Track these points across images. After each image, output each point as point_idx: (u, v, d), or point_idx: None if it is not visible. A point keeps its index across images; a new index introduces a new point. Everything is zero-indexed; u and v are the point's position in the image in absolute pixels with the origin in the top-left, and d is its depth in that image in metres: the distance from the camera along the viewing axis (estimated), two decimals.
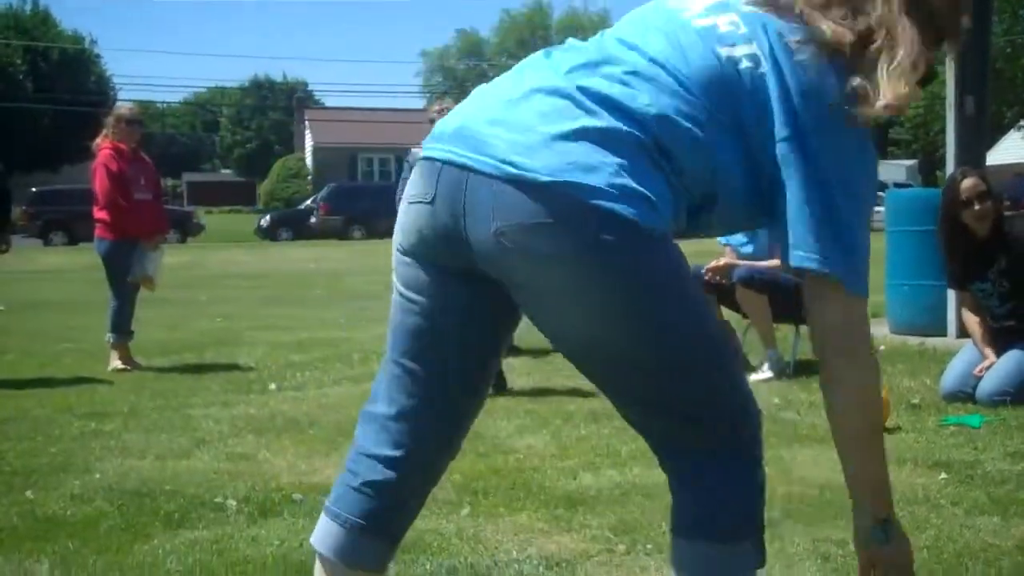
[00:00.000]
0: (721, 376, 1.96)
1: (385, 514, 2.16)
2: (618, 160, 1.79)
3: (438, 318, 2.07)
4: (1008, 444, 4.63)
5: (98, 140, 7.92)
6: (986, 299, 5.67)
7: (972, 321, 5.71)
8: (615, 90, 1.85)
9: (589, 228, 1.78)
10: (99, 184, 7.78)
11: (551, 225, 1.79)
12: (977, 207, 5.51)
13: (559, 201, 1.78)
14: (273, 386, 6.93)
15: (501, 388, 5.79)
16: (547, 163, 1.79)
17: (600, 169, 1.78)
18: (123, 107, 8.51)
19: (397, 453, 2.14)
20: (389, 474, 2.14)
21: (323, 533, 2.19)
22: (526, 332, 7.38)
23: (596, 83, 1.86)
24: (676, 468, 1.99)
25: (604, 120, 1.82)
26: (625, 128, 1.81)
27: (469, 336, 2.09)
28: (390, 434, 2.14)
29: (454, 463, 4.57)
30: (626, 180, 1.78)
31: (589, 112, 1.83)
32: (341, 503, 2.17)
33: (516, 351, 8.00)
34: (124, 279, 7.81)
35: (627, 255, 1.79)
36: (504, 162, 1.82)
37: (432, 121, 8.18)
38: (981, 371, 5.46)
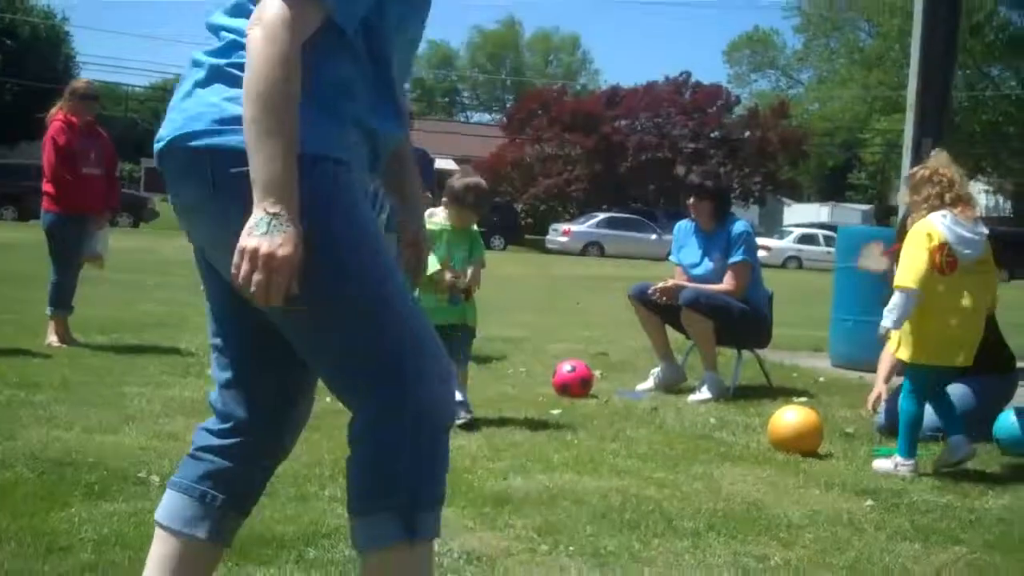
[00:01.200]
0: (370, 324, 1.93)
1: (218, 479, 2.19)
2: (228, 94, 1.91)
3: (211, 294, 2.19)
4: (936, 478, 4.67)
5: (51, 112, 7.82)
6: None
7: (886, 354, 5.64)
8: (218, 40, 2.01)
9: (203, 173, 1.91)
10: (46, 157, 7.67)
11: (182, 182, 1.97)
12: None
13: (177, 157, 1.95)
14: (211, 371, 6.85)
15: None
16: (167, 127, 1.97)
17: (205, 113, 1.92)
18: (79, 81, 8.42)
19: (223, 425, 2.22)
20: (216, 441, 2.21)
21: (163, 504, 2.23)
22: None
23: (211, 44, 2.01)
24: (350, 427, 2.00)
25: (208, 64, 1.97)
26: (227, 61, 1.95)
27: (235, 305, 2.09)
28: (218, 405, 2.22)
29: None
30: (235, 110, 1.88)
31: (198, 65, 1.99)
32: (181, 470, 2.24)
33: None
34: (66, 253, 7.70)
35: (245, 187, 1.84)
36: (157, 140, 1.98)
37: None
38: (872, 403, 5.45)
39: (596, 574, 3.19)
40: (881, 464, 4.85)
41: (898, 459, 4.80)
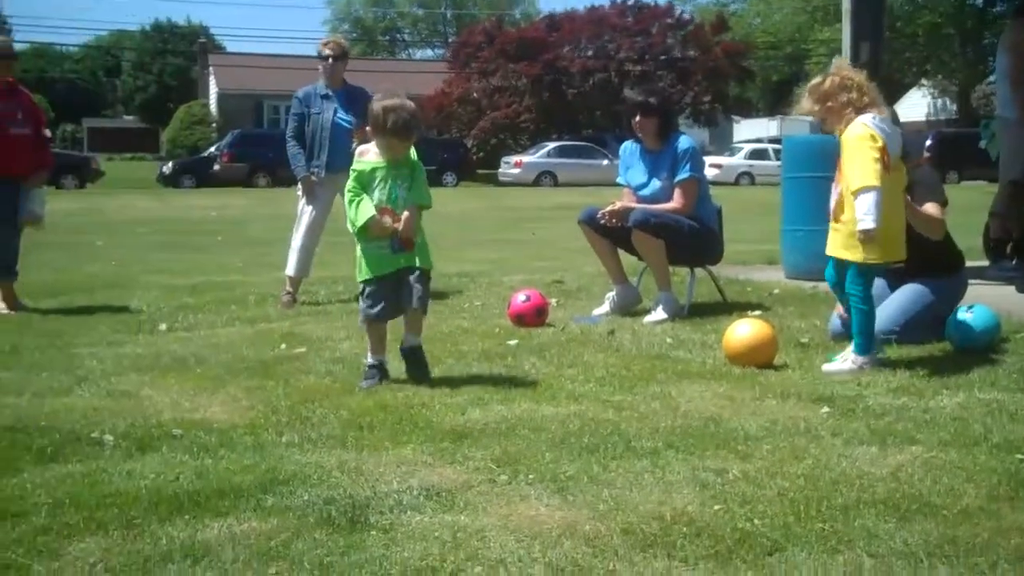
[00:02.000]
0: None
1: None
2: None
3: None
4: (891, 380, 4.70)
5: None
6: None
7: None
8: None
9: None
10: None
11: None
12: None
13: None
14: (163, 327, 6.78)
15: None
16: None
17: None
18: None
19: None
20: None
21: None
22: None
23: None
24: None
25: None
26: None
27: None
28: None
29: (342, 400, 4.53)
30: None
31: None
32: None
33: None
34: (3, 216, 7.53)
35: None
36: None
37: (322, 55, 8.02)
38: (842, 314, 5.49)
39: (556, 499, 3.19)
40: (837, 366, 4.91)
41: (857, 358, 4.87)
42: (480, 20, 57.20)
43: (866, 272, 4.89)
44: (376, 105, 4.78)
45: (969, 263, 8.40)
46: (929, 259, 5.46)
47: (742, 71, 48.36)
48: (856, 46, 7.99)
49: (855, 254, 4.83)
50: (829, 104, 4.89)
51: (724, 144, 47.72)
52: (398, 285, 4.89)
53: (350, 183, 4.91)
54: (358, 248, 4.90)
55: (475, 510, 3.12)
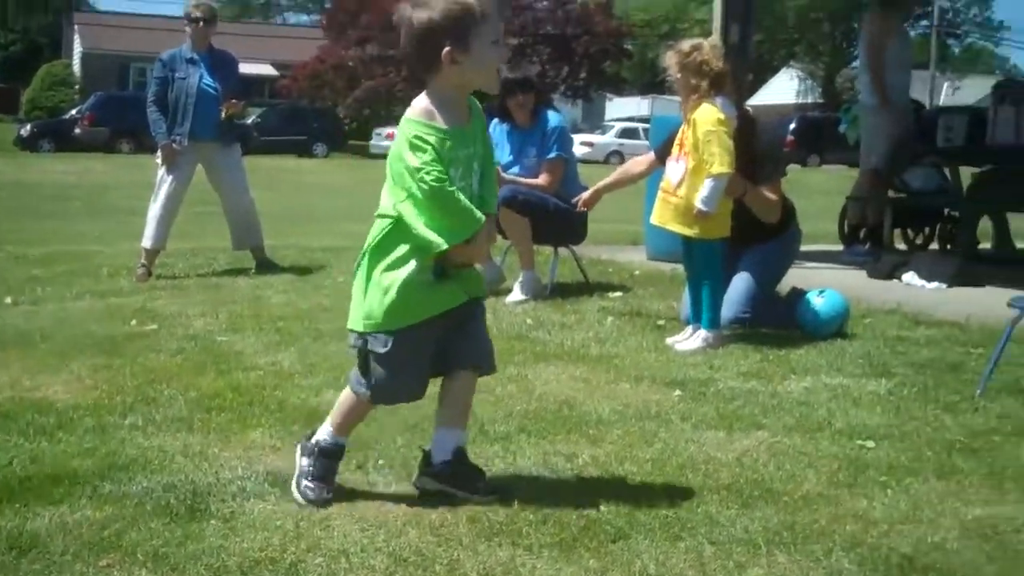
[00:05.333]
0: None
1: None
2: None
3: None
4: (742, 363, 4.79)
5: None
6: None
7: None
8: None
9: None
10: None
11: None
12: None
13: None
14: (8, 300, 6.51)
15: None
16: None
17: None
18: None
19: None
20: None
21: None
22: (282, 247, 7.12)
23: None
24: None
25: None
26: None
27: None
28: None
29: (191, 381, 4.41)
30: None
31: None
32: None
33: (275, 268, 7.82)
34: None
35: None
36: None
37: (190, 17, 7.78)
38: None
39: (404, 486, 3.15)
40: (687, 344, 5.06)
41: (706, 334, 5.05)
42: None
43: (715, 248, 5.13)
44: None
45: (824, 247, 8.67)
46: (756, 228, 5.54)
47: (622, 52, 48.75)
48: (727, 27, 8.10)
49: (689, 229, 5.07)
50: (682, 75, 5.08)
51: (596, 122, 48.11)
52: (449, 332, 3.07)
53: (428, 159, 2.88)
54: (379, 266, 2.97)
55: None
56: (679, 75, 5.09)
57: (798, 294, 5.61)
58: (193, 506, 2.96)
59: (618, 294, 6.55)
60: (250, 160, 7.96)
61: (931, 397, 4.21)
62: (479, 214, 2.93)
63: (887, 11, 8.83)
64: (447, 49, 2.85)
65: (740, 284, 5.52)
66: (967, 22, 59.53)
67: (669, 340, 5.20)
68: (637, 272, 7.59)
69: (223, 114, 7.60)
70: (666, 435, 3.68)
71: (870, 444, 3.58)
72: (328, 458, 3.08)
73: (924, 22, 53.43)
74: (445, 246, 2.89)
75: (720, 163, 4.92)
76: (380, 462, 3.37)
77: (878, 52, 8.49)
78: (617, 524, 2.85)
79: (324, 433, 3.12)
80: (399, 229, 2.93)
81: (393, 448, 3.51)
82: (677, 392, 4.28)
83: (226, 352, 5.05)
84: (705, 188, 4.94)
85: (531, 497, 3.03)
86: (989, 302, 5.56)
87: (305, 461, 3.07)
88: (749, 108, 6.05)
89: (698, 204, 4.95)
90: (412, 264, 2.93)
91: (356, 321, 3.02)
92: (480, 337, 3.12)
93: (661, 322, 5.71)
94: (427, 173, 2.85)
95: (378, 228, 2.97)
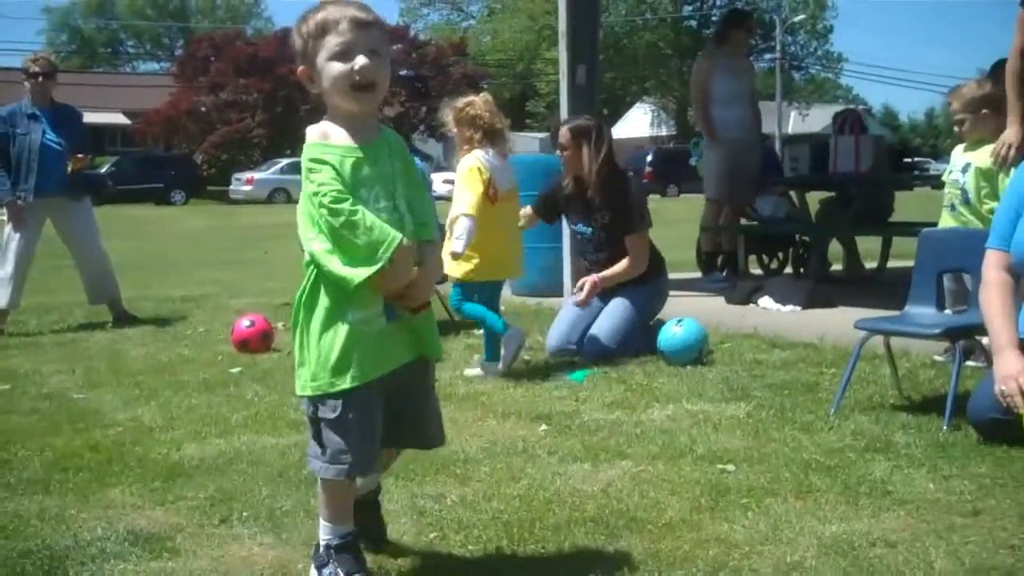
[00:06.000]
0: None
1: None
2: None
3: None
4: (607, 395, 4.87)
5: None
6: (584, 244, 6.11)
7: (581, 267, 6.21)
8: None
9: None
10: None
11: None
12: (561, 154, 6.08)
13: None
14: None
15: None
16: None
17: None
18: None
19: None
20: None
21: None
22: (140, 299, 6.94)
23: None
24: None
25: None
26: None
27: None
28: None
29: (47, 440, 4.27)
30: None
31: None
32: None
33: (133, 320, 7.64)
34: None
35: None
36: None
37: (25, 70, 7.58)
38: (580, 301, 5.84)
39: (270, 537, 3.10)
40: (475, 370, 5.47)
41: (488, 366, 5.42)
42: (208, 33, 55.72)
43: (464, 288, 5.49)
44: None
45: (682, 275, 8.86)
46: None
47: (478, 92, 49.25)
48: (573, 69, 8.23)
49: (455, 271, 5.39)
50: (457, 129, 5.50)
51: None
52: (395, 394, 2.75)
53: (326, 178, 2.60)
54: (314, 319, 2.68)
55: (185, 554, 2.99)
56: (455, 128, 5.49)
57: (657, 324, 5.75)
58: (50, 570, 2.87)
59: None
60: (107, 210, 7.84)
61: (788, 418, 4.34)
62: (393, 232, 2.56)
63: (708, 49, 9.23)
64: (300, 68, 2.70)
65: (612, 316, 5.72)
66: (808, 56, 61.89)
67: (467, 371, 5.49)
68: (503, 308, 7.62)
69: (69, 168, 7.42)
70: (533, 470, 3.70)
71: (731, 468, 3.67)
72: (346, 552, 2.69)
73: (768, 55, 55.45)
74: (360, 278, 2.54)
75: (461, 206, 5.26)
76: (245, 514, 3.31)
77: (700, 88, 8.92)
78: (487, 564, 2.87)
79: (325, 532, 2.71)
80: (322, 275, 2.64)
81: (258, 499, 3.46)
82: (543, 426, 4.32)
83: (83, 409, 4.91)
84: (455, 231, 5.23)
85: (398, 541, 3.02)
86: (842, 322, 5.76)
87: (327, 571, 2.69)
88: (620, 161, 6.26)
89: (452, 246, 5.20)
90: (348, 313, 2.62)
91: (302, 386, 2.68)
92: (429, 412, 2.84)
93: (527, 356, 5.76)
94: (324, 195, 2.56)
95: (304, 278, 2.70)
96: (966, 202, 5.17)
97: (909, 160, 16.47)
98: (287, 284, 10.26)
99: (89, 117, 8.08)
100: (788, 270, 9.74)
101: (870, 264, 9.54)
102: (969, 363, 4.71)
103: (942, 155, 41.57)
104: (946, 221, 5.28)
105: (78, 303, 8.16)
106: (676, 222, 12.96)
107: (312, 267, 2.66)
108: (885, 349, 4.75)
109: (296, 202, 2.86)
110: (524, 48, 58.65)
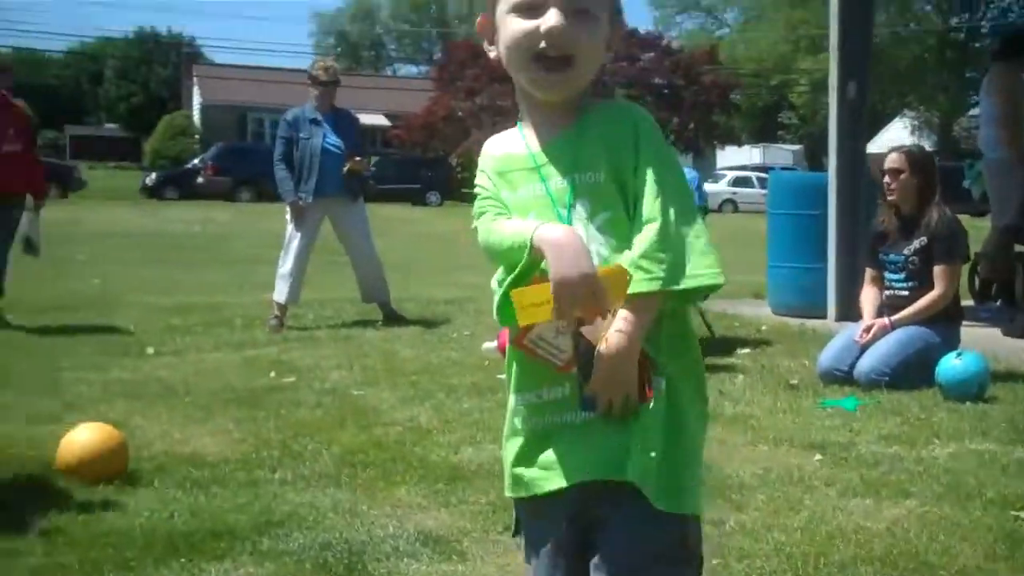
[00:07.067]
0: None
1: None
2: None
3: None
4: (882, 427, 4.71)
5: None
6: (891, 272, 5.83)
7: (871, 292, 5.88)
8: None
9: None
10: None
11: None
12: (888, 181, 5.77)
13: None
14: (151, 350, 6.74)
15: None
16: None
17: None
18: None
19: None
20: None
21: None
22: (405, 299, 7.19)
23: None
24: None
25: None
26: None
27: None
28: None
29: (333, 435, 4.50)
30: None
31: None
32: None
33: (402, 320, 7.94)
34: None
35: None
36: None
37: (313, 77, 8.00)
38: (863, 337, 5.58)
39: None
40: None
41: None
42: (466, 39, 57.32)
43: None
44: None
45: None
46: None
47: (729, 104, 48.59)
48: (844, 84, 8.02)
49: None
50: None
51: (707, 171, 47.91)
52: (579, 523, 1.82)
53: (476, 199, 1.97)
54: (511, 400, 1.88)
55: (473, 559, 3.11)
56: None
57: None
58: (350, 565, 3.03)
59: (746, 350, 6.51)
60: (367, 208, 8.14)
61: None
62: (531, 226, 1.73)
63: (1010, 60, 8.49)
64: (480, 17, 1.89)
65: (890, 343, 5.53)
66: None
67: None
68: (764, 327, 7.53)
69: (346, 169, 7.79)
70: (811, 502, 3.64)
71: None
72: None
73: None
74: (499, 295, 1.75)
75: None
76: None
77: (1014, 104, 8.05)
78: None
79: None
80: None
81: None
82: (818, 456, 4.23)
83: (363, 406, 5.15)
84: None
85: None
86: None
87: None
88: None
89: None
90: (512, 403, 1.85)
91: None
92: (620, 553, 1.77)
93: (794, 381, 5.65)
94: (474, 216, 1.92)
95: None
96: None
97: None
98: None
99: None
100: None
101: None
102: None
103: None
104: None
105: (351, 299, 8.55)
106: None
107: None
108: None
109: None
110: (779, 58, 57.46)
